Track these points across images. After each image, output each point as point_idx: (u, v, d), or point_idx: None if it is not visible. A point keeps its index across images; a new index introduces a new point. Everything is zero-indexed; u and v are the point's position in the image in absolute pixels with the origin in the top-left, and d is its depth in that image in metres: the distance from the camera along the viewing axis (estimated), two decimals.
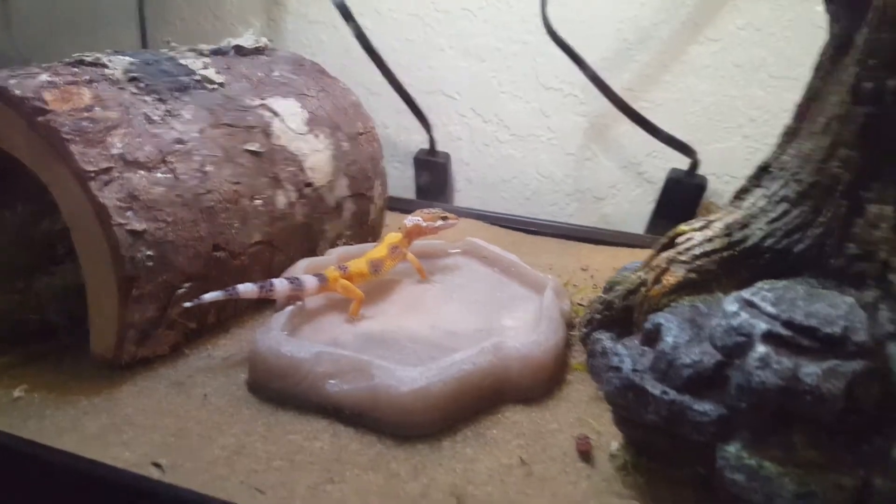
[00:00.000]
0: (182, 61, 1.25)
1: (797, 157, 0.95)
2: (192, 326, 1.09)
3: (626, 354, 0.89)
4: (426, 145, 2.06)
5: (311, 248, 1.31)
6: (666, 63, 1.83)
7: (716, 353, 0.81)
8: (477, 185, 2.13)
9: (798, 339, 0.77)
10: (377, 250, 1.26)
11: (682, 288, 0.96)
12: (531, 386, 1.05)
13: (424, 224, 1.31)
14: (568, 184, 2.04)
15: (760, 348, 0.76)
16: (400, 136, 2.13)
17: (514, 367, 1.04)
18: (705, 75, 1.80)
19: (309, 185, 1.29)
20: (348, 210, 1.41)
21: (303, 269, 1.20)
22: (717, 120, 1.81)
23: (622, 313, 1.07)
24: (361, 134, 1.45)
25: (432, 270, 1.38)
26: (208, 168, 1.12)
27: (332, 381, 0.98)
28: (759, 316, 0.79)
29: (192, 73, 1.23)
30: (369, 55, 1.88)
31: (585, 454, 0.95)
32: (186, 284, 1.05)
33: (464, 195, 2.15)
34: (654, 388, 0.83)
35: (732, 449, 0.77)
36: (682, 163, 1.81)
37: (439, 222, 1.32)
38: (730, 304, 0.83)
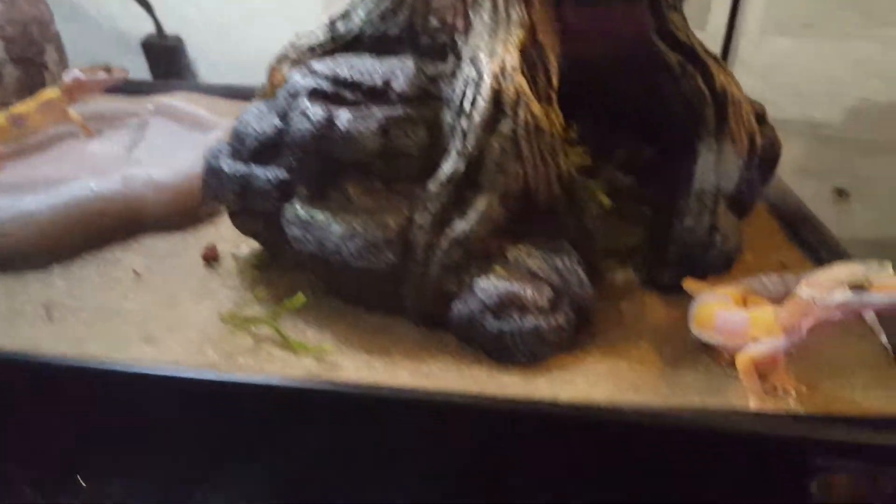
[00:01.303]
0: None
1: None
2: None
3: (214, 148, 0.87)
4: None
5: None
6: None
7: (276, 120, 0.81)
8: (221, 68, 2.03)
9: (342, 92, 0.78)
10: (23, 104, 1.17)
11: None
12: (171, 213, 1.02)
13: (84, 78, 1.23)
14: None
15: (303, 102, 0.76)
16: (128, 23, 1.99)
17: (148, 195, 1.01)
18: None
19: None
20: (10, 76, 1.31)
21: None
22: None
23: None
24: None
25: (114, 129, 1.31)
26: None
27: None
28: (311, 77, 0.80)
29: None
30: None
31: (210, 260, 0.94)
32: None
33: (210, 79, 2.06)
34: (228, 165, 0.82)
35: (289, 207, 0.78)
36: None
37: (102, 75, 1.25)
38: (294, 73, 0.82)
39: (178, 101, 1.40)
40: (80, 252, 0.94)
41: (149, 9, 1.89)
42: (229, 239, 0.99)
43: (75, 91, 1.23)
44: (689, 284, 0.86)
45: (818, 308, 0.65)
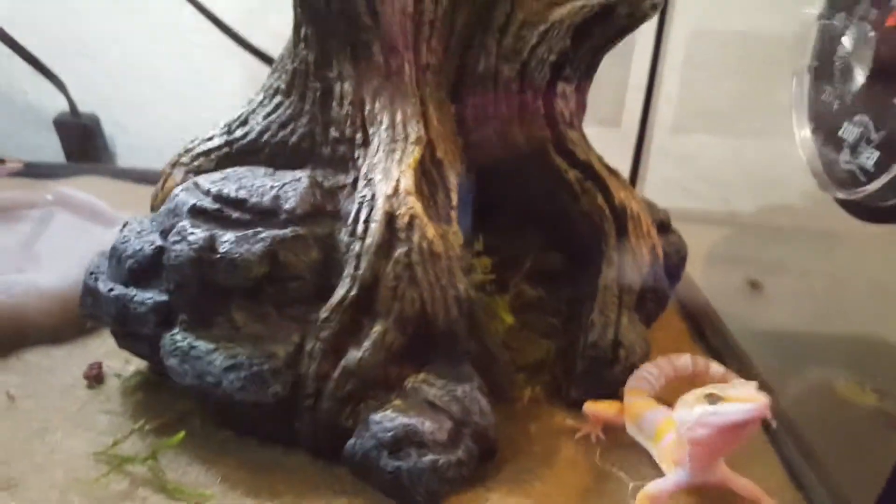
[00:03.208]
0: None
1: (286, 48, 0.93)
2: None
3: (94, 260, 0.82)
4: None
5: None
6: None
7: (157, 239, 0.76)
8: (141, 151, 1.98)
9: (227, 211, 0.74)
10: None
11: None
12: (56, 323, 0.96)
13: None
14: None
15: (181, 222, 0.72)
16: (41, 100, 1.92)
17: (31, 304, 0.94)
18: None
19: None
20: None
21: None
22: None
23: None
24: None
25: (11, 221, 1.24)
26: None
27: None
28: (194, 193, 0.76)
29: None
30: None
31: (93, 379, 0.88)
32: None
33: (128, 160, 2.00)
34: (104, 286, 0.77)
35: (168, 336, 0.73)
36: None
37: None
38: (178, 188, 0.78)
39: (77, 190, 1.34)
40: None
41: (61, 86, 1.83)
42: (119, 354, 0.92)
43: None
44: (590, 407, 0.84)
45: (684, 429, 0.64)
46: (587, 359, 0.86)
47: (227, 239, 0.70)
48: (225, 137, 0.92)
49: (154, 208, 0.93)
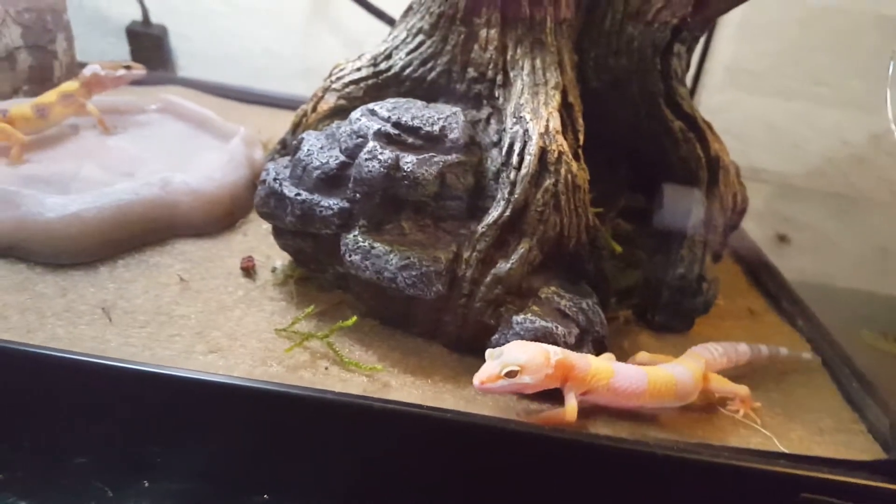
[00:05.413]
0: None
1: None
2: None
3: (272, 168, 0.94)
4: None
5: None
6: None
7: (340, 155, 0.89)
8: (200, 60, 2.06)
9: (404, 136, 0.87)
10: (46, 96, 1.19)
11: (335, 113, 1.03)
12: (203, 219, 1.08)
13: (103, 73, 1.25)
14: (296, 62, 2.04)
15: (370, 144, 0.85)
16: (112, 7, 1.98)
17: (183, 200, 1.06)
18: None
19: None
20: (24, 62, 1.31)
21: None
22: None
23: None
24: None
25: (125, 125, 1.34)
26: None
27: None
28: (375, 120, 0.88)
29: None
30: None
31: (248, 270, 1.01)
32: None
33: (188, 71, 2.07)
34: (290, 191, 0.90)
35: (351, 236, 0.87)
36: None
37: (121, 71, 1.28)
38: (355, 112, 0.91)
39: (180, 98, 1.44)
40: (120, 253, 0.99)
41: None
42: (257, 250, 1.06)
43: (94, 86, 1.26)
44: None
45: None
46: (674, 289, 1.02)
47: (409, 160, 0.84)
48: (371, 69, 1.03)
49: (304, 126, 1.05)
